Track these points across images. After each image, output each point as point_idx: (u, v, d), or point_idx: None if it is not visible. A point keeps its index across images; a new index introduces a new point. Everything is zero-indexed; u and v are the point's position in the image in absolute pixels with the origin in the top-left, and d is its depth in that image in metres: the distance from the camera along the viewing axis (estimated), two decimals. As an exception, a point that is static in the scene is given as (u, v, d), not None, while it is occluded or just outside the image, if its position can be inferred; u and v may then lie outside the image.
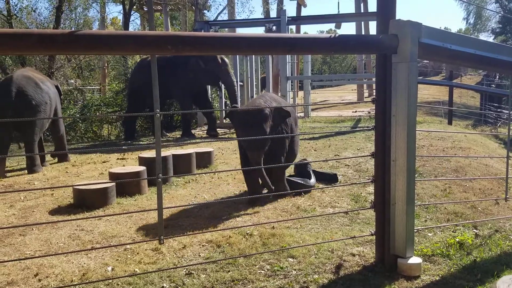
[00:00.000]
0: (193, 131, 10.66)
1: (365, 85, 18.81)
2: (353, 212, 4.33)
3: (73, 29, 13.29)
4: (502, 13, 30.47)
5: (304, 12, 21.17)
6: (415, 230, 3.18)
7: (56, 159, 7.48)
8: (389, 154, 3.05)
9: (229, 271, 3.09)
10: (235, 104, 9.69)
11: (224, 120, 11.53)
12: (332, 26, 26.65)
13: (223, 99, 11.89)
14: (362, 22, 18.36)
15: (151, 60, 2.71)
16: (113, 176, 5.30)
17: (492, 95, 17.94)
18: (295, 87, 15.44)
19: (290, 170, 5.61)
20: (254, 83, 12.94)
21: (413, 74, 2.92)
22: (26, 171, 6.60)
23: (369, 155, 3.24)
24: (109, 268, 3.19)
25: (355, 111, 13.87)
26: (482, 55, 3.41)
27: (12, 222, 4.37)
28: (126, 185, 5.10)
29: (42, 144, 7.59)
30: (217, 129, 10.58)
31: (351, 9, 20.67)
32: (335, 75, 29.60)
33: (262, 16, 22.32)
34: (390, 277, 2.99)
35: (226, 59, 9.97)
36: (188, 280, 2.98)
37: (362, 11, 18.57)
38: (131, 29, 19.07)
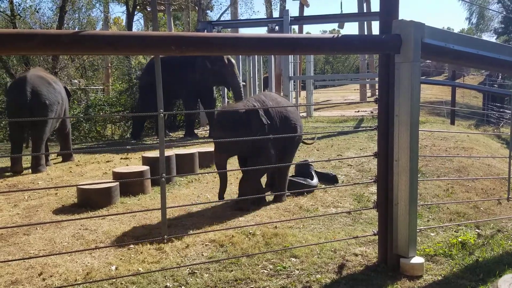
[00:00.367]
0: (196, 131, 10.69)
1: (367, 85, 18.78)
2: (356, 212, 4.34)
3: (76, 29, 13.36)
4: (504, 13, 30.40)
5: (307, 12, 21.19)
6: (417, 230, 3.19)
7: (61, 159, 7.52)
8: (392, 154, 3.05)
9: (232, 271, 3.11)
10: None
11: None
12: (335, 26, 26.63)
13: (226, 99, 11.91)
14: (365, 22, 18.34)
15: (155, 60, 2.73)
16: (116, 176, 5.33)
17: (494, 95, 17.90)
18: (297, 87, 15.43)
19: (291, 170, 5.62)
20: (257, 83, 12.96)
21: (416, 74, 2.93)
22: (30, 170, 6.63)
23: (372, 155, 3.25)
24: (113, 267, 3.20)
25: (358, 111, 13.85)
26: (484, 55, 3.42)
27: (16, 221, 4.39)
28: (130, 185, 5.12)
29: (47, 144, 7.63)
30: None
31: (354, 9, 20.66)
32: (338, 75, 29.58)
33: (265, 16, 22.35)
34: (393, 277, 3.00)
35: (233, 60, 9.91)
36: (191, 279, 3.00)
37: (365, 11, 18.55)
38: (134, 29, 19.11)
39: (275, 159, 4.69)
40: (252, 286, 2.91)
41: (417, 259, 3.06)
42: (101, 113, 12.36)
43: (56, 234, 3.94)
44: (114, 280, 2.97)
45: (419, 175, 3.41)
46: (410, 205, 3.01)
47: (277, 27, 12.02)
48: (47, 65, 12.29)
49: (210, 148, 6.96)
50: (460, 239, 3.57)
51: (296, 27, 18.48)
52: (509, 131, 4.23)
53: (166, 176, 2.79)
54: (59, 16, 13.30)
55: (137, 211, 4.42)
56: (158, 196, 4.99)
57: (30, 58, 12.86)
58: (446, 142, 7.57)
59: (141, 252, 3.45)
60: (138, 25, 25.92)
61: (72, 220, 4.21)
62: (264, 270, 3.12)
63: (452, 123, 12.02)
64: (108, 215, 4.33)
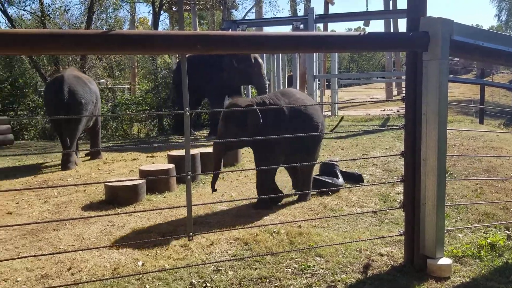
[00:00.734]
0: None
1: (394, 83, 18.51)
2: (382, 212, 4.29)
3: (104, 29, 13.59)
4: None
5: (332, 10, 20.99)
6: (445, 231, 3.13)
7: (89, 156, 7.69)
8: (419, 153, 3.01)
9: (256, 269, 3.12)
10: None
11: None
12: (360, 24, 26.34)
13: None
14: (391, 20, 18.08)
15: (181, 59, 2.76)
16: (143, 173, 5.41)
17: (525, 94, 17.39)
18: (322, 85, 15.34)
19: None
20: (281, 82, 12.94)
21: (444, 72, 2.88)
22: (60, 167, 6.80)
23: (398, 154, 3.21)
24: (140, 263, 3.26)
25: (384, 110, 13.67)
26: (516, 53, 3.32)
27: (46, 217, 4.51)
28: (156, 182, 5.19)
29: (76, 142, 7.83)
30: None
31: (380, 7, 20.38)
32: (363, 73, 29.23)
33: (288, 15, 22.28)
34: (419, 277, 2.96)
35: (260, 60, 9.75)
36: (216, 276, 3.02)
37: (391, 8, 18.30)
38: (160, 29, 19.33)
39: (282, 158, 4.63)
40: (276, 284, 2.92)
41: (444, 260, 3.00)
42: (128, 112, 12.57)
43: (85, 230, 4.03)
44: (140, 275, 3.02)
45: (446, 175, 3.34)
46: (437, 205, 2.95)
47: (301, 26, 11.96)
48: (76, 64, 12.57)
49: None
50: (489, 241, 3.48)
51: (321, 25, 18.38)
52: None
53: (191, 174, 2.82)
54: (87, 17, 13.56)
55: (163, 208, 4.48)
56: (183, 194, 5.05)
57: (60, 58, 13.17)
58: (474, 142, 7.40)
59: (167, 249, 3.50)
60: (164, 25, 26.21)
61: (100, 216, 4.31)
62: (289, 269, 3.12)
63: (481, 122, 11.74)
64: (134, 212, 4.41)
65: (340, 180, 5.18)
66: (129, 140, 11.27)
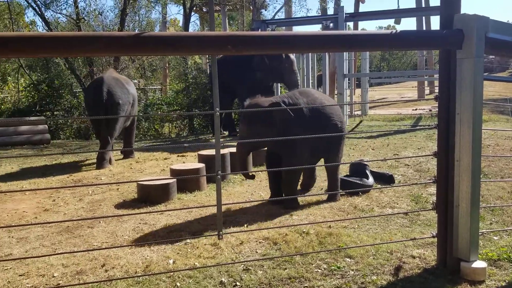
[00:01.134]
0: None
1: (426, 82, 18.11)
2: (413, 213, 4.22)
3: (136, 30, 13.86)
4: None
5: (363, 8, 20.68)
6: (479, 233, 3.05)
7: (122, 155, 7.87)
8: (452, 153, 2.94)
9: (285, 269, 3.12)
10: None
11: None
12: (391, 22, 25.88)
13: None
14: (423, 17, 17.70)
15: (211, 60, 2.79)
16: (174, 173, 5.49)
17: None
18: (352, 84, 15.16)
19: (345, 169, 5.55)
20: (310, 81, 12.85)
21: (479, 70, 2.81)
22: (94, 166, 6.98)
23: (431, 155, 3.15)
24: (171, 261, 3.31)
25: (415, 109, 13.40)
26: (556, 50, 3.21)
27: (81, 214, 4.64)
28: (186, 182, 5.26)
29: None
30: None
31: (412, 4, 19.98)
32: (394, 72, 28.74)
33: (316, 14, 22.13)
34: (452, 280, 2.89)
35: (291, 56, 9.58)
36: (245, 275, 3.04)
37: (423, 5, 17.91)
38: (190, 30, 19.55)
39: (308, 157, 4.62)
40: (306, 285, 2.91)
41: (479, 263, 2.93)
42: (159, 112, 12.76)
43: (118, 228, 4.13)
44: (171, 273, 3.07)
45: (481, 176, 3.26)
46: (472, 207, 2.88)
47: (331, 24, 11.84)
48: (109, 66, 12.86)
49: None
50: (526, 244, 3.38)
51: (351, 24, 18.15)
52: None
53: (221, 173, 2.85)
54: (120, 19, 13.86)
55: (193, 207, 4.54)
56: (213, 193, 5.09)
57: (94, 60, 13.51)
58: (510, 142, 7.17)
59: (197, 247, 3.54)
60: (195, 26, 26.51)
61: (133, 214, 4.40)
62: (318, 270, 3.11)
63: (518, 121, 11.36)
64: (166, 211, 4.48)
65: (370, 180, 5.12)
66: (160, 140, 11.45)
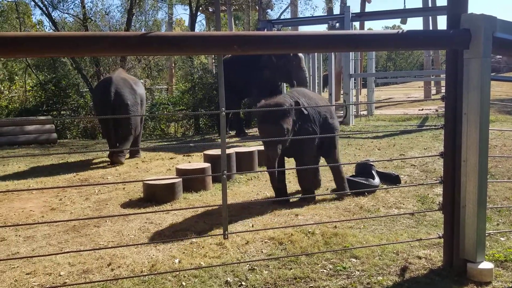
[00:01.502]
0: (255, 129, 10.77)
1: (432, 82, 18.02)
2: (420, 214, 4.20)
3: (143, 30, 13.92)
4: None
5: (369, 8, 20.63)
6: (486, 234, 3.03)
7: (128, 155, 7.90)
8: (459, 154, 2.93)
9: (291, 269, 3.12)
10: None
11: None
12: (397, 22, 25.79)
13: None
14: (430, 17, 17.61)
15: (217, 60, 2.79)
16: (180, 172, 5.50)
17: None
18: (358, 84, 15.12)
19: (351, 169, 5.54)
20: (316, 81, 12.84)
21: (486, 70, 2.79)
22: (101, 165, 7.02)
23: (438, 155, 3.13)
24: (176, 261, 3.32)
25: (422, 109, 13.34)
26: None
27: (88, 214, 4.66)
28: (192, 181, 5.27)
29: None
30: None
31: (418, 4, 19.90)
32: (401, 72, 28.62)
33: (323, 14, 22.09)
34: (459, 282, 2.88)
35: (299, 54, 9.52)
36: (251, 275, 3.04)
37: (430, 5, 17.83)
38: (196, 30, 19.60)
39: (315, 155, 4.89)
40: (311, 285, 2.91)
41: (485, 264, 2.91)
42: (165, 112, 12.80)
43: (124, 227, 4.14)
44: (177, 272, 3.07)
45: (488, 176, 3.24)
46: (478, 207, 2.87)
47: (337, 24, 11.82)
48: (116, 66, 12.92)
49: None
50: (534, 245, 3.35)
51: (357, 24, 18.11)
52: None
53: (227, 173, 2.85)
54: (126, 19, 13.92)
55: (199, 207, 4.55)
56: (219, 192, 5.10)
57: (100, 60, 13.57)
58: (519, 142, 7.12)
59: (203, 247, 3.55)
60: (201, 26, 26.55)
61: (139, 214, 4.41)
62: (324, 270, 3.10)
63: (526, 122, 11.27)
64: (171, 210, 4.49)
65: (376, 180, 5.10)
66: (166, 140, 11.47)
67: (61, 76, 13.42)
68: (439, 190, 4.59)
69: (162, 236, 3.87)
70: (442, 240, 3.12)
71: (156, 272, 3.12)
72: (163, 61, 19.16)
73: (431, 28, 17.25)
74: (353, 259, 3.24)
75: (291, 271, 3.07)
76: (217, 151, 6.14)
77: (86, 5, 14.12)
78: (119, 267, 3.26)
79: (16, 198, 5.30)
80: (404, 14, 12.73)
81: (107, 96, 6.97)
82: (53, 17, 14.45)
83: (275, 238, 3.66)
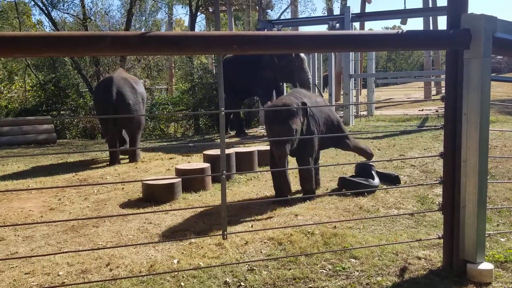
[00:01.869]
0: (255, 129, 10.77)
1: (432, 83, 18.01)
2: (419, 214, 4.19)
3: (143, 30, 13.91)
4: None
5: (369, 8, 20.63)
6: (486, 235, 3.02)
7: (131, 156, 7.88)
8: (459, 154, 2.92)
9: (290, 269, 3.11)
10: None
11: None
12: (398, 22, 25.78)
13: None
14: (430, 18, 17.61)
15: (217, 60, 2.79)
16: (179, 172, 5.50)
17: None
18: (358, 85, 15.11)
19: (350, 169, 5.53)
20: (316, 81, 12.83)
21: (486, 71, 2.78)
22: (100, 165, 7.01)
23: (438, 155, 3.13)
24: (175, 261, 3.31)
25: (422, 110, 13.35)
26: None
27: (86, 214, 4.66)
28: (191, 181, 5.27)
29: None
30: None
31: (419, 4, 19.89)
32: (401, 72, 28.61)
33: (323, 14, 22.09)
34: (458, 282, 2.87)
35: (301, 55, 9.44)
36: (250, 276, 3.03)
37: (430, 5, 17.82)
38: (196, 30, 19.59)
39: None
40: (310, 285, 2.90)
41: (485, 265, 2.90)
42: (165, 112, 12.79)
43: (123, 227, 4.13)
44: (176, 273, 3.07)
45: (488, 177, 3.23)
46: (478, 208, 2.86)
47: (337, 25, 11.81)
48: (115, 65, 12.92)
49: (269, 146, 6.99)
50: (534, 246, 3.35)
51: (357, 24, 18.11)
52: None
53: (226, 173, 2.84)
54: (126, 19, 13.91)
55: (198, 207, 4.54)
56: (218, 192, 5.09)
57: (100, 60, 13.57)
58: (519, 143, 7.12)
59: (202, 247, 3.54)
60: (201, 26, 26.56)
61: (138, 214, 4.40)
62: (323, 270, 3.09)
63: (526, 122, 11.27)
64: (170, 210, 4.48)
65: (376, 181, 5.09)
66: (166, 140, 11.47)
67: (60, 76, 13.42)
68: (439, 190, 4.59)
69: (160, 236, 3.87)
70: (441, 240, 3.11)
71: (154, 272, 3.11)
72: (163, 61, 19.17)
73: (431, 28, 17.25)
74: (353, 260, 3.23)
75: (290, 272, 3.06)
76: (216, 151, 6.14)
77: (86, 5, 14.12)
78: (117, 267, 3.26)
79: (15, 198, 5.29)
80: (404, 14, 12.70)
81: (109, 96, 6.95)
82: (53, 17, 14.45)
83: (275, 238, 3.65)
